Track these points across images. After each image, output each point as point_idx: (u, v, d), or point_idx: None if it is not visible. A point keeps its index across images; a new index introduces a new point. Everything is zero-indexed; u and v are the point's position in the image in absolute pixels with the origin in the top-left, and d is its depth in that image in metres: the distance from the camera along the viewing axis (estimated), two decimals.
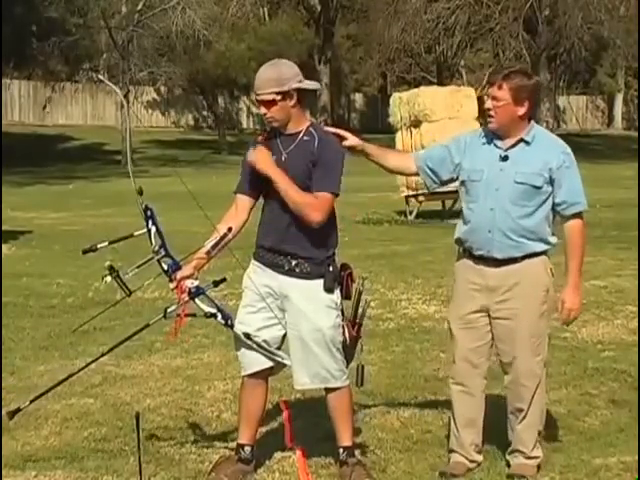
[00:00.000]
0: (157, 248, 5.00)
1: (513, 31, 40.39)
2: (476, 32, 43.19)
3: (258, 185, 5.06)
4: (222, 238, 4.94)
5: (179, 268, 5.00)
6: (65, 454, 5.45)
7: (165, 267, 5.01)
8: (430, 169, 5.24)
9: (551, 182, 5.01)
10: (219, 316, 5.01)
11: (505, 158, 5.05)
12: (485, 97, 5.14)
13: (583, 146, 45.36)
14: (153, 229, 5.01)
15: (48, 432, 5.85)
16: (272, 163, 4.92)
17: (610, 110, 58.40)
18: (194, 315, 5.07)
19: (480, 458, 5.26)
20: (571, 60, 48.67)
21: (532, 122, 5.11)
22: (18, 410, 5.31)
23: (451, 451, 5.28)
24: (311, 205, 4.87)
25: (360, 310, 5.16)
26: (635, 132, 49.40)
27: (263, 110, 4.95)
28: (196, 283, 4.98)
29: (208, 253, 5.00)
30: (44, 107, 48.87)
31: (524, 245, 5.03)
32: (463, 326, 5.17)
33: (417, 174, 5.34)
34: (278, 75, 4.91)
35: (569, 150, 5.12)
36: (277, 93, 4.88)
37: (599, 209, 19.19)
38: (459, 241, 5.21)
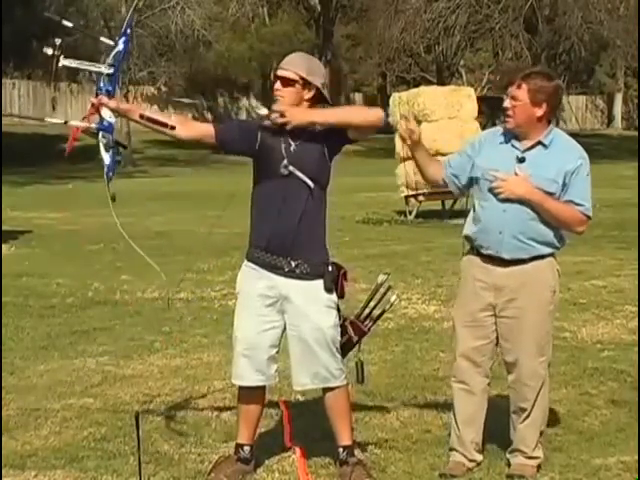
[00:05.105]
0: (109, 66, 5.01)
1: (513, 31, 40.40)
2: (476, 32, 43.19)
3: (233, 144, 5.01)
4: (163, 124, 4.89)
5: (111, 97, 4.94)
6: (65, 454, 5.45)
7: (101, 85, 5.01)
8: (454, 175, 5.23)
9: (563, 186, 5.02)
10: (106, 159, 4.91)
11: (522, 160, 5.03)
12: (504, 96, 5.13)
13: (583, 146, 45.13)
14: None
15: (48, 432, 5.84)
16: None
17: (610, 110, 58.35)
18: (92, 132, 4.95)
19: (480, 457, 5.26)
20: (571, 60, 48.63)
21: (551, 125, 5.10)
22: None
23: (451, 449, 5.28)
24: (361, 109, 5.08)
25: (382, 309, 5.24)
26: (635, 132, 49.35)
27: (278, 85, 4.91)
28: (113, 120, 4.88)
29: (142, 116, 4.92)
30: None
31: (532, 248, 5.04)
32: (468, 324, 5.16)
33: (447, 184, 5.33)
34: (310, 65, 4.96)
35: (586, 156, 5.10)
36: (301, 78, 4.89)
37: (599, 209, 19.13)
38: (468, 239, 5.20)
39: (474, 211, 5.17)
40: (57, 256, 13.33)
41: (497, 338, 5.17)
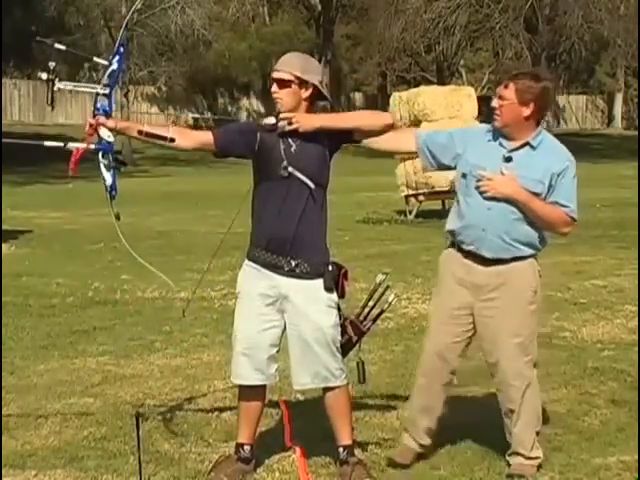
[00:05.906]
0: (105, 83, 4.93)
1: (513, 30, 40.42)
2: (476, 31, 43.23)
3: (233, 147, 5.03)
4: (162, 138, 4.92)
5: (109, 117, 4.94)
6: (65, 453, 5.45)
7: (98, 105, 4.93)
8: (429, 151, 5.21)
9: (549, 188, 5.02)
10: (108, 179, 4.99)
11: (508, 159, 5.04)
12: (493, 96, 5.15)
13: (583, 146, 45.35)
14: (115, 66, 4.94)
15: (48, 431, 5.84)
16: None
17: (610, 109, 58.35)
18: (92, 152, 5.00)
19: (429, 442, 5.30)
20: (571, 59, 48.68)
21: (540, 127, 5.11)
22: None
23: (405, 430, 5.35)
24: (370, 115, 5.10)
25: (380, 308, 5.26)
26: (635, 132, 49.35)
27: (275, 88, 4.92)
28: (112, 139, 4.91)
29: (140, 132, 4.93)
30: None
31: (515, 249, 5.04)
32: (445, 320, 5.17)
33: (415, 153, 5.28)
34: (304, 64, 4.94)
35: (573, 159, 5.11)
36: (296, 77, 4.88)
37: (599, 208, 19.21)
38: (451, 233, 5.20)
39: (458, 205, 5.16)
40: (57, 256, 13.33)
41: (471, 337, 5.18)
